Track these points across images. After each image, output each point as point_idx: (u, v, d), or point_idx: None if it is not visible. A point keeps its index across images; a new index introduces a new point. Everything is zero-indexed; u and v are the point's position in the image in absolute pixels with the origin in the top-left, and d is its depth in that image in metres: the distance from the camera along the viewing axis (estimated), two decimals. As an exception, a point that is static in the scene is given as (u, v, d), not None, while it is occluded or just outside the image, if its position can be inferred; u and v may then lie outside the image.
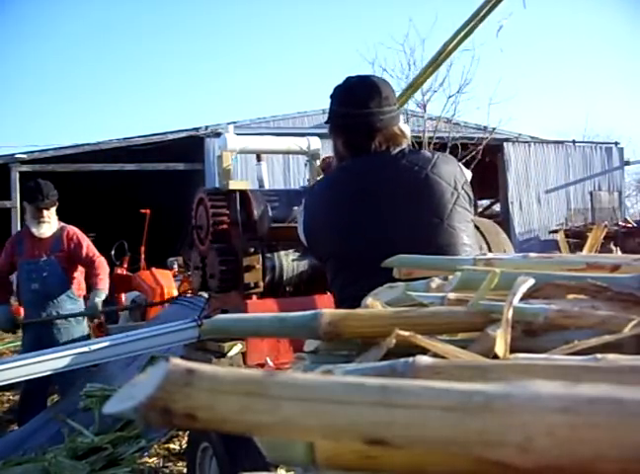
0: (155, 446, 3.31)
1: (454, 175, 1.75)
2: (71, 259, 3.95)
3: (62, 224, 4.03)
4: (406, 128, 3.58)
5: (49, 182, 4.08)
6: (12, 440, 3.37)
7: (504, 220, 16.20)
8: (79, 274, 4.04)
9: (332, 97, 1.83)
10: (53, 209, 3.95)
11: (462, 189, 1.75)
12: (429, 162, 1.74)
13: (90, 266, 3.98)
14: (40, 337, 3.85)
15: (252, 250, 3.04)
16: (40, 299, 3.90)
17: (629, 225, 11.08)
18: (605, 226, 1.17)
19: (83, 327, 4.00)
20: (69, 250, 3.93)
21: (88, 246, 4.01)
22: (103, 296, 3.93)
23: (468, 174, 1.86)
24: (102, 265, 4.00)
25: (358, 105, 1.76)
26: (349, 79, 1.82)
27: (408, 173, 1.73)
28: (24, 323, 3.99)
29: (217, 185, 3.42)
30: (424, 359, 0.57)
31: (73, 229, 4.04)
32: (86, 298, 4.11)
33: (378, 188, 1.75)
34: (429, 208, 1.71)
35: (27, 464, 2.91)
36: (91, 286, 4.02)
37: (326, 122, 1.88)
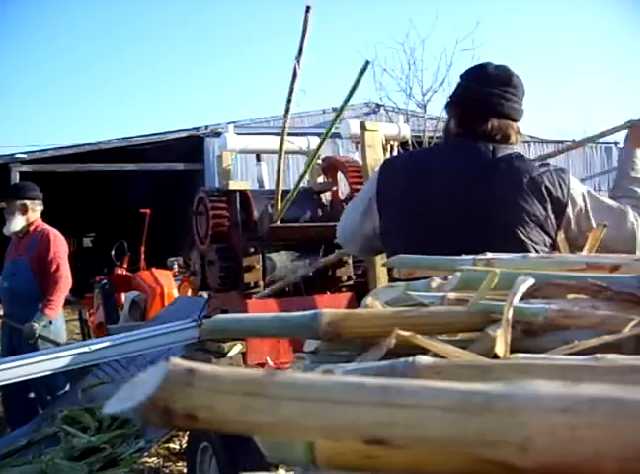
0: (155, 446, 3.31)
1: (547, 197, 1.63)
2: (40, 262, 3.82)
3: (46, 227, 3.96)
4: (406, 128, 3.58)
5: (30, 182, 4.09)
6: (10, 441, 3.36)
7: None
8: None
9: (462, 75, 1.80)
10: (19, 207, 3.87)
11: (552, 211, 1.63)
12: (528, 172, 1.62)
13: (49, 276, 3.79)
14: (11, 337, 3.84)
15: (252, 250, 3.04)
16: (8, 298, 3.89)
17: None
18: (605, 226, 1.17)
19: (50, 331, 3.78)
20: (39, 252, 3.83)
21: (55, 252, 3.83)
22: (43, 322, 3.69)
23: (579, 190, 1.71)
24: (60, 282, 3.78)
25: (483, 82, 1.71)
26: (484, 63, 1.80)
27: (502, 174, 1.64)
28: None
29: (217, 185, 3.42)
30: (424, 359, 0.57)
31: (49, 232, 3.91)
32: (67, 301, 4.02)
33: (461, 176, 1.67)
34: (505, 216, 1.62)
35: (24, 466, 2.90)
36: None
37: (448, 102, 1.83)
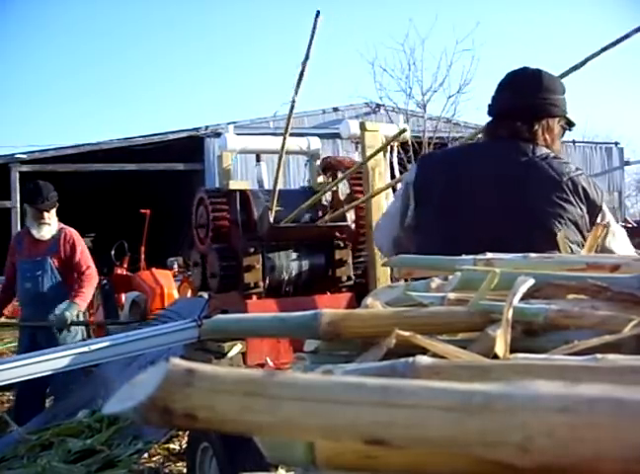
0: (155, 446, 3.31)
1: (584, 198, 1.68)
2: (66, 261, 3.93)
3: (62, 226, 4.03)
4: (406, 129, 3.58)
5: (49, 183, 4.10)
6: (11, 441, 3.36)
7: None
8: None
9: (500, 82, 1.87)
10: (53, 211, 3.96)
11: (587, 212, 1.68)
12: (566, 172, 1.68)
13: (79, 274, 3.94)
14: (35, 339, 3.86)
15: (252, 250, 3.04)
16: (32, 299, 3.91)
17: (629, 225, 11.07)
18: (605, 226, 1.17)
19: (76, 330, 3.94)
20: (65, 252, 3.92)
21: (82, 252, 3.99)
22: (74, 311, 3.81)
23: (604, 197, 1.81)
24: (90, 277, 3.96)
25: (524, 89, 1.79)
26: (518, 69, 1.87)
27: (541, 173, 1.69)
28: (20, 325, 3.98)
29: (217, 185, 3.43)
30: (424, 359, 0.57)
31: (71, 232, 4.02)
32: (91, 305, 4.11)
33: (491, 175, 1.73)
34: (544, 214, 1.66)
35: (19, 469, 2.87)
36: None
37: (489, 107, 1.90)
